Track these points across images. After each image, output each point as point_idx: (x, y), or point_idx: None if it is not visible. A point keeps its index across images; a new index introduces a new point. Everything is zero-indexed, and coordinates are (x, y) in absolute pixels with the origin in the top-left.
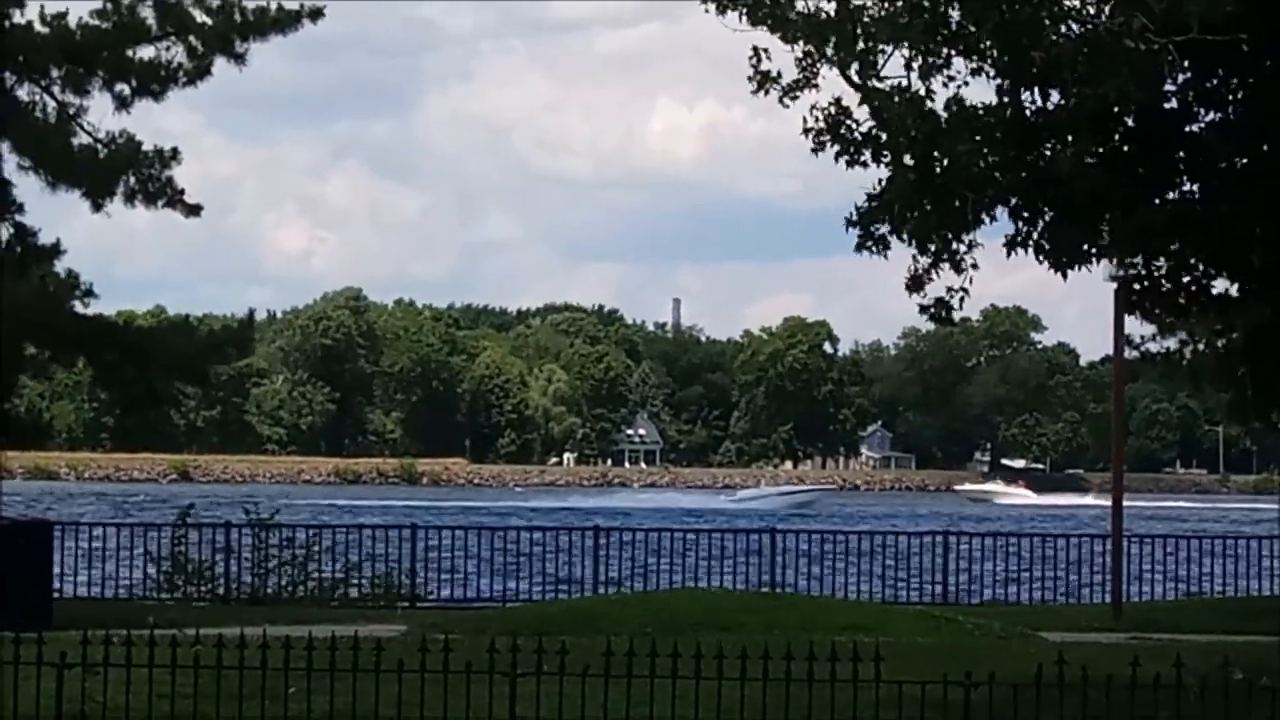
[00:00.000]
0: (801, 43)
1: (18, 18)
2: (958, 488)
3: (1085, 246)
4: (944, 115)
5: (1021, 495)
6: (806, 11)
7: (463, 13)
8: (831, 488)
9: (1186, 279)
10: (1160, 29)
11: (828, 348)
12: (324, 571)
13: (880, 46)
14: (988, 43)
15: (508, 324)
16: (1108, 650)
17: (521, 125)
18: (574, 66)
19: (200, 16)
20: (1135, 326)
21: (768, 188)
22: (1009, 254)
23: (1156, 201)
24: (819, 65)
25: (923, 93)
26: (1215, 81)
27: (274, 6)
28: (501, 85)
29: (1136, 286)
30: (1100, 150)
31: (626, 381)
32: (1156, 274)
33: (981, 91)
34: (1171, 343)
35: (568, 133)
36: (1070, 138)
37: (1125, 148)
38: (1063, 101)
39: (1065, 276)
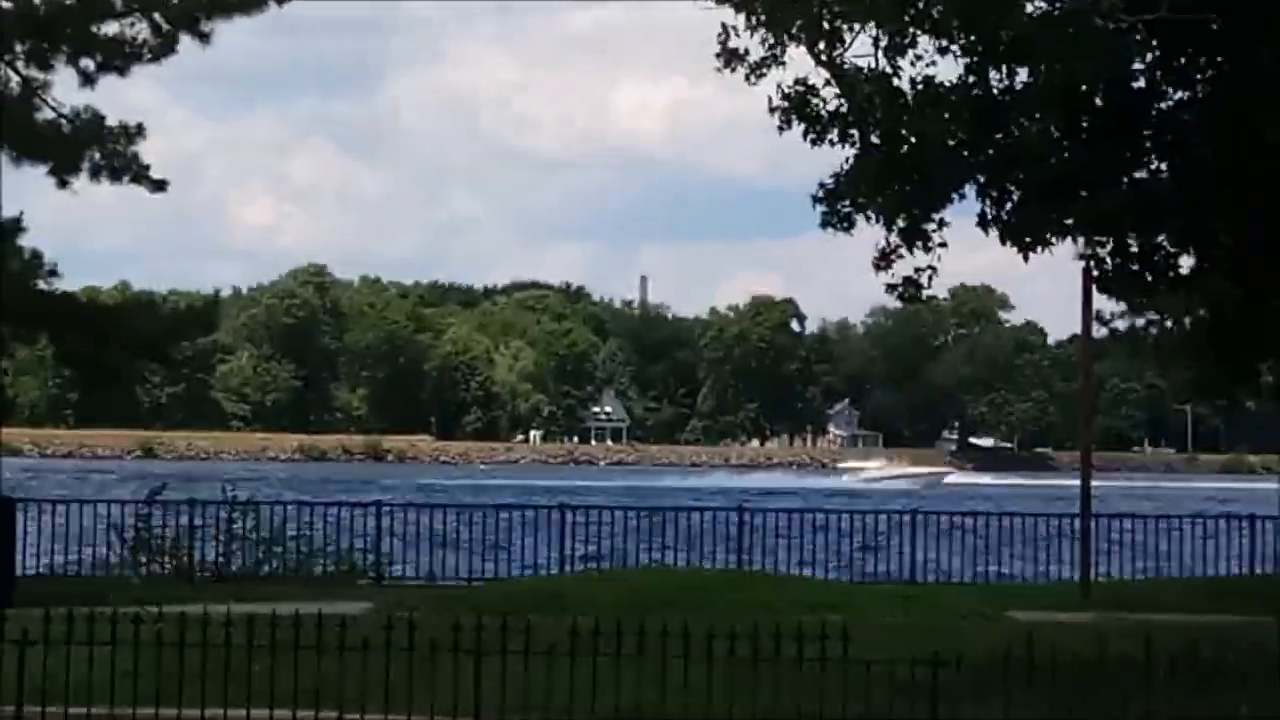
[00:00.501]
0: (767, 23)
1: None
2: (840, 465)
3: (1050, 227)
4: (911, 94)
5: (878, 469)
6: None
7: None
8: (949, 470)
9: (1154, 258)
10: (1129, 7)
11: (795, 326)
12: (289, 549)
13: (847, 25)
14: (954, 21)
15: (474, 301)
16: (1076, 630)
17: (489, 103)
18: (542, 44)
19: None
20: (1104, 304)
21: (736, 166)
22: (986, 233)
23: (1124, 180)
24: (786, 44)
25: (889, 71)
26: (1183, 60)
27: None
28: (469, 63)
29: (1102, 265)
30: (1068, 129)
31: (593, 359)
32: (1123, 253)
33: (949, 70)
34: (1139, 321)
35: (535, 111)
36: (1038, 116)
37: (1093, 126)
38: (1030, 80)
39: (1027, 258)
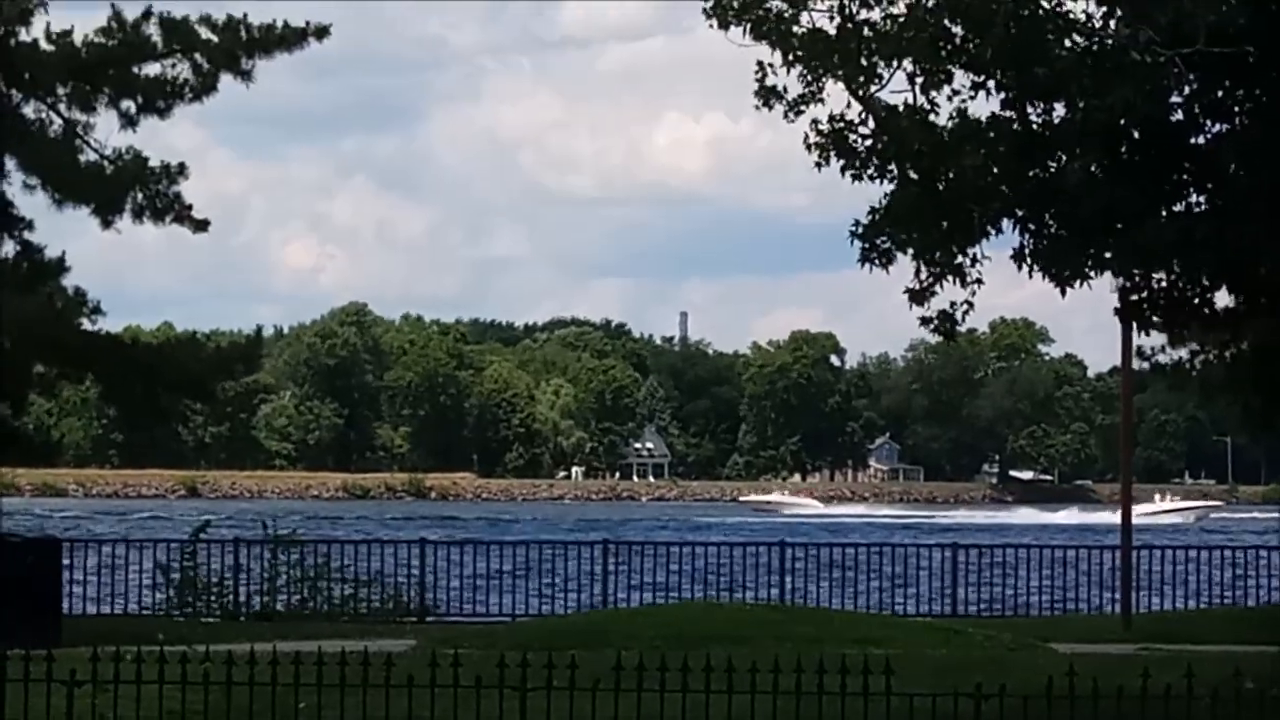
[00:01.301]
0: (804, 60)
1: (23, 35)
2: (743, 498)
3: (1086, 262)
4: (947, 129)
5: (808, 505)
6: (809, 28)
7: (469, 30)
8: (1219, 504)
9: (1190, 292)
10: (1166, 41)
11: (835, 360)
12: (333, 588)
13: (884, 61)
14: (991, 57)
15: (515, 339)
16: (1118, 661)
17: (528, 141)
18: (580, 82)
19: (206, 34)
20: (1144, 337)
21: (775, 201)
22: (1019, 269)
23: (1162, 214)
24: (823, 80)
25: (926, 107)
26: (1222, 93)
27: (280, 24)
28: (508, 101)
29: (1135, 298)
30: (1106, 163)
31: (634, 395)
32: (1159, 287)
33: (985, 105)
34: (1181, 354)
35: (574, 148)
36: (1076, 151)
37: (1131, 160)
38: (1068, 114)
39: (1064, 292)
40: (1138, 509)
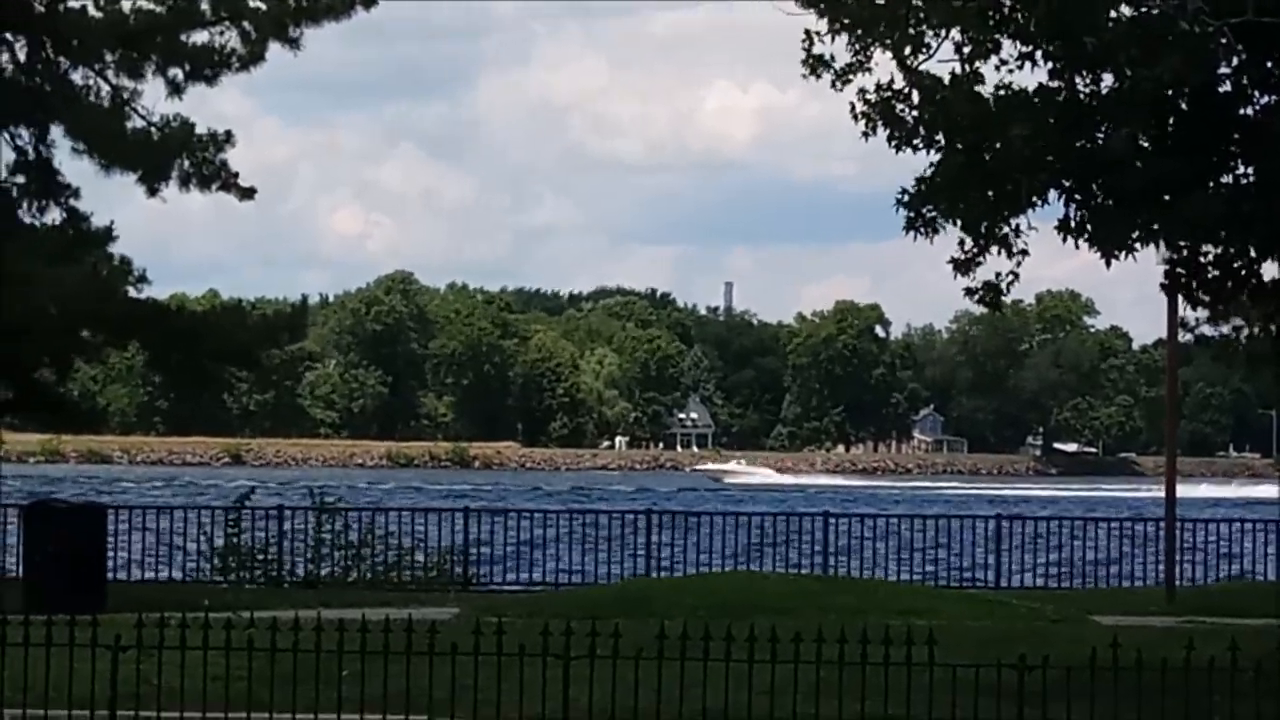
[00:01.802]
0: (852, 28)
1: (71, 2)
2: (698, 467)
3: (1133, 233)
4: (994, 99)
5: (761, 474)
6: None
7: None
8: None
9: (1236, 264)
10: (1215, 11)
11: (879, 331)
12: (377, 555)
13: (931, 31)
14: (1039, 27)
15: (559, 308)
16: (1161, 634)
17: (575, 108)
18: (628, 48)
19: (254, 2)
20: (1190, 310)
21: (822, 170)
22: (1065, 240)
23: (1210, 186)
24: (871, 49)
25: (974, 77)
26: (1270, 64)
27: None
28: (555, 68)
29: (1181, 271)
30: (1153, 134)
31: (678, 365)
32: (1205, 260)
33: (1032, 76)
34: (1226, 327)
35: (621, 115)
36: (1123, 121)
37: (1179, 131)
38: (1115, 85)
39: (1109, 264)
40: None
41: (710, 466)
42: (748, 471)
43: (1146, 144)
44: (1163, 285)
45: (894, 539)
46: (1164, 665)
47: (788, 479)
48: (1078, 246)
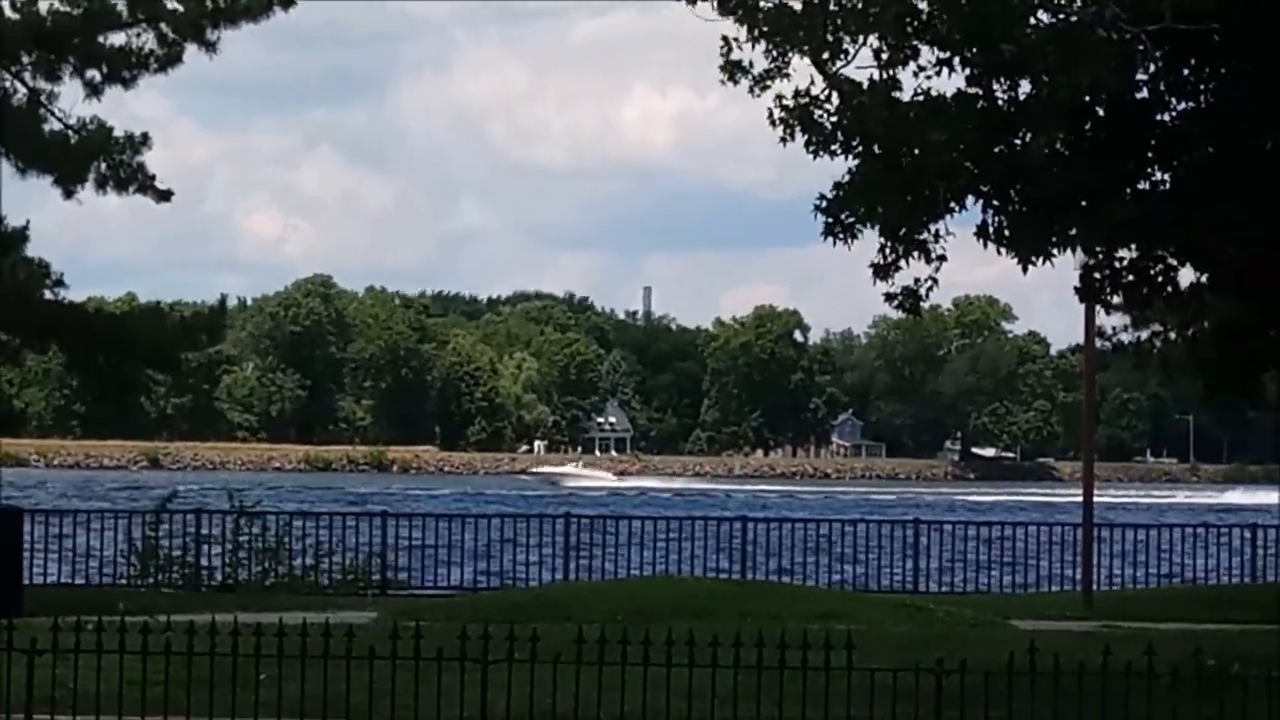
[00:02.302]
0: (769, 34)
1: None
2: (534, 470)
3: (1050, 238)
4: (912, 105)
5: (599, 478)
6: (775, 3)
7: (438, 2)
8: None
9: (1153, 270)
10: (1133, 18)
11: (798, 336)
12: (295, 559)
13: (849, 37)
14: (957, 34)
15: (479, 312)
16: (1079, 638)
17: (497, 113)
18: (550, 54)
19: (171, 3)
20: (1107, 316)
21: (742, 176)
22: (984, 245)
23: (1127, 192)
24: (789, 55)
25: (891, 83)
26: (1187, 71)
27: None
28: (477, 73)
29: (1098, 276)
30: (1071, 140)
31: (597, 369)
32: (1121, 265)
33: (950, 82)
34: (1143, 333)
35: (543, 121)
36: (1041, 127)
37: (1096, 138)
38: (1033, 91)
39: (1026, 270)
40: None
41: (547, 470)
42: (585, 475)
43: (1064, 150)
44: (1077, 290)
45: (811, 543)
46: (1081, 670)
47: (627, 483)
48: (998, 252)
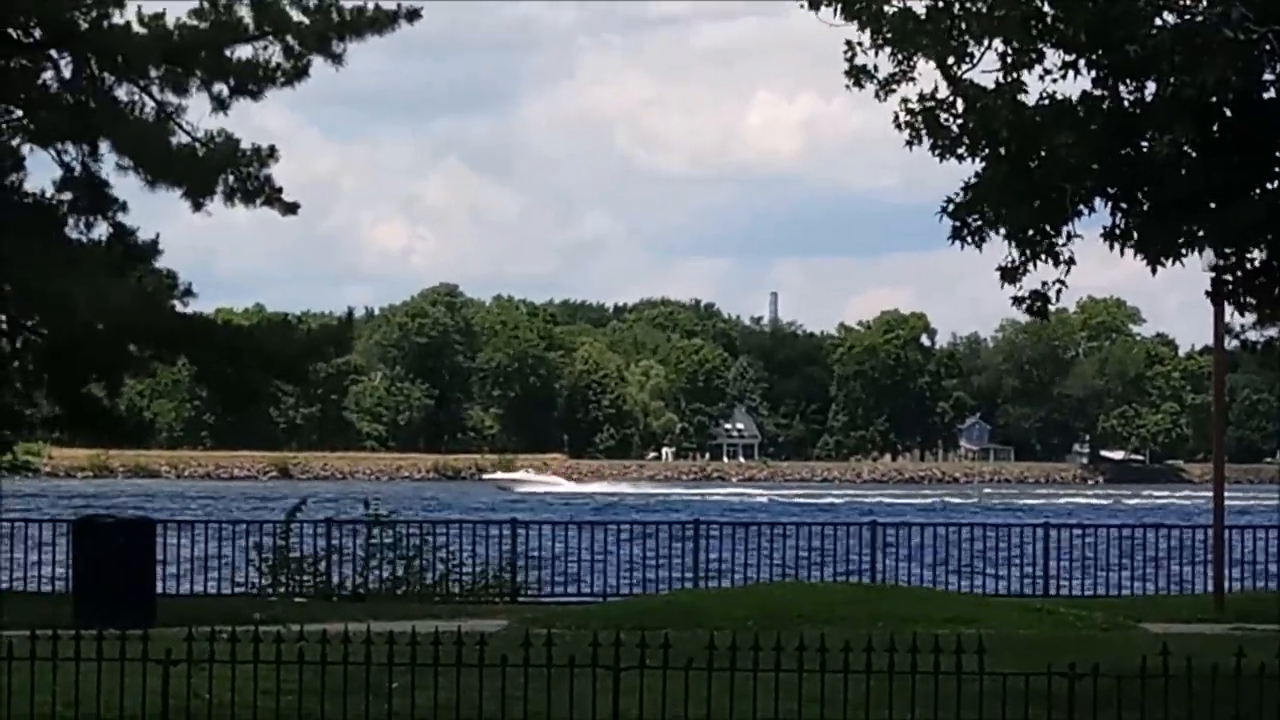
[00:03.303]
0: (894, 39)
1: (116, 18)
2: (486, 476)
3: (1179, 239)
4: (1038, 108)
5: (551, 483)
6: (900, 7)
7: (562, 9)
8: None
9: None
10: (1259, 17)
11: (925, 340)
12: (425, 568)
13: (974, 41)
14: (1082, 36)
15: (604, 320)
16: (1211, 641)
17: (620, 122)
18: (673, 62)
19: (297, 16)
20: (1237, 317)
21: (867, 181)
22: (1111, 248)
23: (1255, 192)
24: (914, 59)
25: (1017, 86)
26: None
27: (371, 7)
28: (600, 82)
29: (1229, 277)
30: (1198, 141)
31: (724, 376)
32: (1252, 265)
33: (1076, 84)
34: (1273, 331)
35: (666, 128)
36: (1167, 128)
37: (1223, 138)
38: (1159, 92)
39: (1155, 271)
40: None
41: (500, 475)
42: (537, 480)
43: (1191, 151)
44: (1209, 292)
45: (941, 548)
46: (1214, 672)
47: (584, 488)
48: (1123, 254)
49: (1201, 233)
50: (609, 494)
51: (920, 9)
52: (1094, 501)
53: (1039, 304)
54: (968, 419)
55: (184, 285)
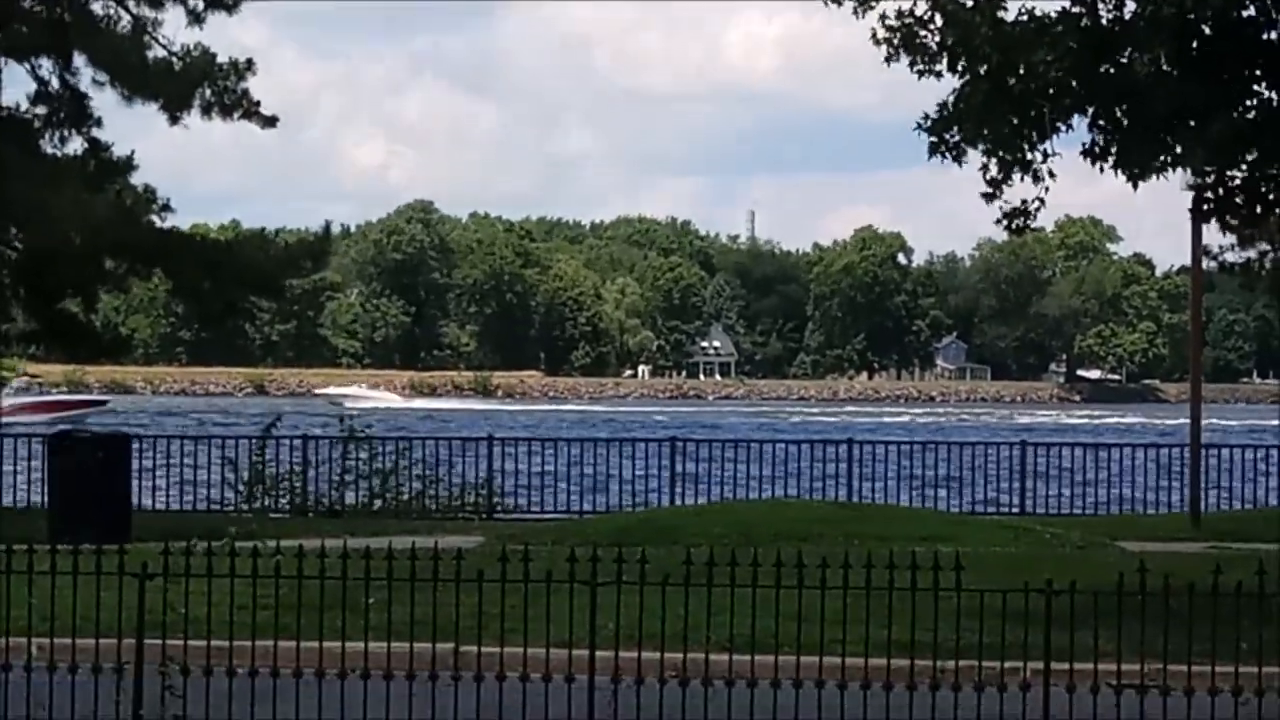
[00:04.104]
0: None
1: None
2: (318, 391)
3: (1160, 156)
4: (1018, 25)
5: (384, 399)
6: None
7: None
8: None
9: (1263, 188)
10: None
11: (902, 259)
12: (402, 484)
13: None
14: None
15: (581, 237)
16: (1188, 559)
17: (601, 39)
18: None
19: None
20: (1214, 237)
21: (846, 99)
22: (1092, 164)
23: (1234, 110)
24: None
25: (996, 2)
26: None
27: None
28: None
29: (1210, 196)
30: (1178, 58)
31: (700, 294)
32: (1231, 183)
33: (1055, 1)
34: (1251, 253)
35: (647, 46)
36: (1147, 46)
37: (1202, 56)
38: (1138, 10)
39: (1136, 187)
40: None
41: (331, 391)
42: (367, 396)
43: (1170, 69)
44: (1191, 211)
45: (918, 467)
46: (1191, 590)
47: (415, 404)
48: (1103, 171)
49: (1180, 150)
50: (444, 409)
51: None
52: (1072, 422)
53: (1019, 221)
54: (944, 338)
55: (161, 200)
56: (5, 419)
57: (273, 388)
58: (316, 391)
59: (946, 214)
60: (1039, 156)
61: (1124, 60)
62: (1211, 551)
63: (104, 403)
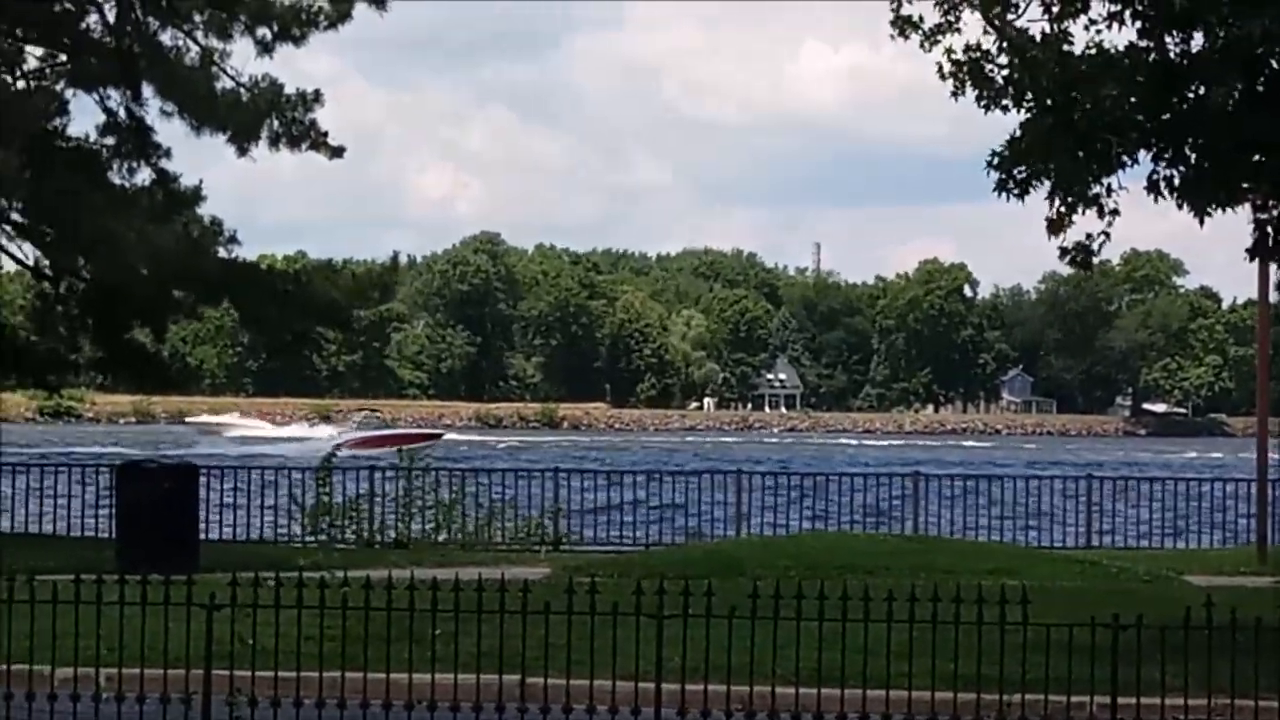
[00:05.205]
0: None
1: None
2: (189, 419)
3: (1225, 192)
4: (1084, 59)
5: (256, 428)
6: None
7: None
8: None
9: None
10: None
11: (967, 291)
12: (467, 516)
13: None
14: None
15: (647, 269)
16: (1254, 594)
17: (668, 69)
18: (722, 9)
19: None
20: None
21: (913, 131)
22: (1155, 199)
23: None
24: (959, 9)
25: (1062, 36)
26: None
27: None
28: (649, 28)
29: (1271, 231)
30: (1245, 92)
31: (766, 326)
32: None
33: (1122, 35)
34: None
35: (714, 76)
36: (1214, 80)
37: (1271, 90)
38: (1206, 43)
39: (1202, 222)
40: None
41: (204, 419)
42: (241, 424)
43: (1238, 103)
44: (1248, 250)
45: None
46: (1258, 625)
47: (285, 431)
48: (1179, 206)
49: (1246, 185)
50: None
51: None
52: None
53: (1083, 255)
54: (1010, 371)
55: (229, 231)
56: (346, 452)
57: (339, 418)
58: (187, 420)
59: (1012, 246)
60: (1104, 191)
61: (1191, 95)
62: (1278, 586)
63: (439, 435)
